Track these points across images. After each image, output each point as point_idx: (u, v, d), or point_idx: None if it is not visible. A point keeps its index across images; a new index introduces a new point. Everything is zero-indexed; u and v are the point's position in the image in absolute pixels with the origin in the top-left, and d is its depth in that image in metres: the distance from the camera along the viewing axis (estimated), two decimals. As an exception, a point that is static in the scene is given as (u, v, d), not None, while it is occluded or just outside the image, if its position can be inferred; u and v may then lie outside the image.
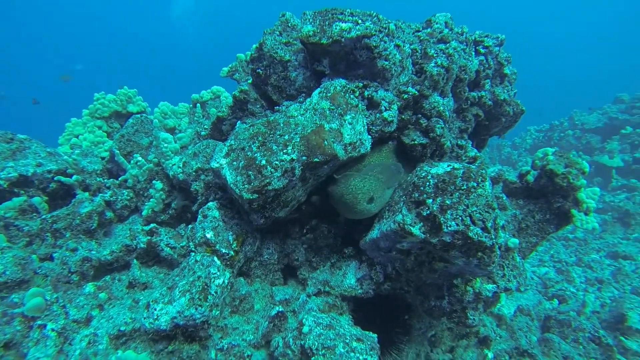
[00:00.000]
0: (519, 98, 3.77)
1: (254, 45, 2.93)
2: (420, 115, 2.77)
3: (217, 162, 2.47)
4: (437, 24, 3.00)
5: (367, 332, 2.57)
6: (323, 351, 2.07)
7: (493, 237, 2.22)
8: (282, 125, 2.49)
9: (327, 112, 2.50)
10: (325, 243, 3.04)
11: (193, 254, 2.38)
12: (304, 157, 2.33)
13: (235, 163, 2.42)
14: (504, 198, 3.25)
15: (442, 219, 2.26)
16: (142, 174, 3.22)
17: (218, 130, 3.20)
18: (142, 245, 2.71)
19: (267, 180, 2.26)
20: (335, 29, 2.54)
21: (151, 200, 3.08)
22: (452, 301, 2.79)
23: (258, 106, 3.06)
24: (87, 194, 3.14)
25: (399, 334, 3.46)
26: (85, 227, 2.90)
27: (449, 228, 2.23)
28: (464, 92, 3.15)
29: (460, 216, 2.24)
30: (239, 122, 3.10)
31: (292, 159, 2.31)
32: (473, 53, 3.22)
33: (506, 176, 3.39)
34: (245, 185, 2.30)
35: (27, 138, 3.35)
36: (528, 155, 12.65)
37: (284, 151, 2.33)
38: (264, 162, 2.32)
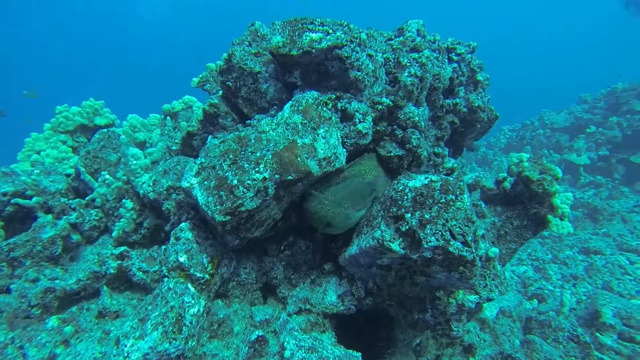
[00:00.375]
0: (492, 102, 3.79)
1: (224, 56, 2.81)
2: (395, 126, 2.71)
3: (188, 182, 2.34)
4: (409, 32, 2.96)
5: (350, 352, 2.49)
6: (305, 379, 1.97)
7: (474, 250, 2.17)
8: (253, 141, 2.38)
9: (300, 126, 2.41)
10: (304, 259, 2.94)
11: (166, 279, 2.23)
12: (276, 176, 2.23)
13: (206, 183, 2.29)
14: (482, 206, 3.24)
15: (421, 234, 2.20)
16: (110, 193, 3.04)
17: (188, 145, 3.06)
18: (111, 271, 2.54)
19: (240, 202, 2.15)
20: (306, 39, 2.45)
21: (121, 220, 2.91)
22: (435, 314, 2.74)
23: (229, 120, 2.94)
24: (49, 216, 2.94)
25: (382, 348, 3.40)
26: (48, 253, 2.70)
27: (429, 244, 2.17)
28: (438, 100, 3.12)
29: (440, 231, 2.18)
30: (209, 137, 2.96)
31: (265, 178, 2.20)
32: (446, 60, 3.19)
33: (483, 183, 3.39)
34: (217, 207, 2.18)
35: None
36: (503, 154, 12.91)
37: (256, 169, 2.22)
38: (235, 181, 2.20)
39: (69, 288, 2.47)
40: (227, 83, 2.83)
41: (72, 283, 2.48)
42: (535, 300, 5.37)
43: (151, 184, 2.77)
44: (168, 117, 3.53)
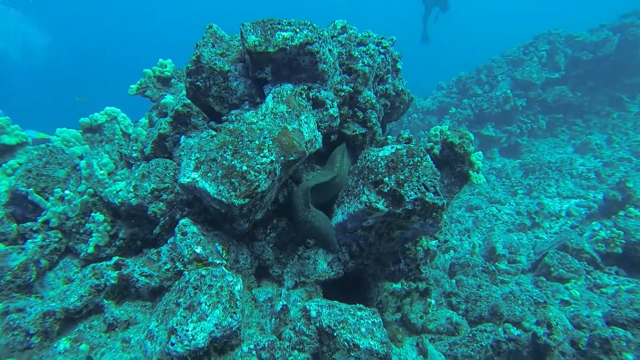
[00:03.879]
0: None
1: (192, 58, 2.89)
2: (356, 109, 3.17)
3: (188, 177, 2.42)
4: (351, 29, 3.45)
5: (354, 305, 2.87)
6: (340, 325, 2.29)
7: (442, 197, 2.76)
8: (246, 132, 2.58)
9: (286, 114, 2.70)
10: (289, 238, 3.20)
11: (186, 272, 2.29)
12: (281, 157, 2.48)
13: (210, 174, 2.42)
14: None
15: (401, 191, 2.69)
16: (72, 209, 2.82)
17: (161, 148, 3.03)
18: (112, 282, 2.42)
19: (256, 184, 2.35)
20: (279, 37, 2.74)
21: (94, 235, 2.74)
22: (407, 262, 3.29)
23: (200, 119, 3.03)
24: (1, 245, 2.62)
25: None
26: (20, 282, 2.44)
27: (410, 197, 2.68)
28: (375, 86, 3.69)
29: (416, 186, 2.71)
30: (182, 137, 3.01)
31: (272, 161, 2.44)
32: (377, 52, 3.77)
33: (415, 153, 4.07)
34: (232, 193, 2.34)
35: None
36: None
37: (261, 154, 2.44)
38: (245, 167, 2.39)
39: (72, 307, 2.29)
40: (196, 83, 2.92)
41: (75, 301, 2.31)
42: (451, 251, 6.47)
43: (131, 190, 2.71)
44: (117, 127, 3.38)
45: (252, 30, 2.76)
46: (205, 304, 2.02)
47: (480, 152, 3.96)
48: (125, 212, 2.86)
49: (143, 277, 2.49)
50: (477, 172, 3.90)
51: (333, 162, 3.09)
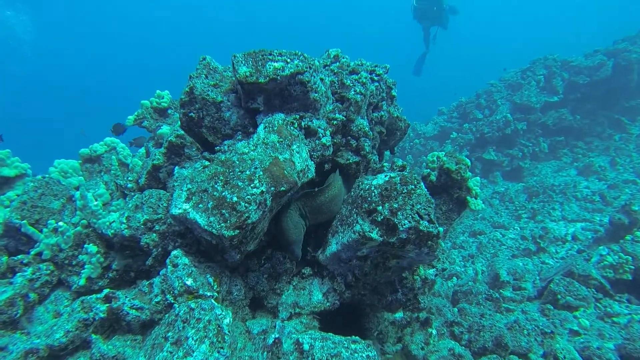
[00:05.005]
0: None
1: (185, 89, 2.93)
2: (349, 137, 3.17)
3: (180, 208, 2.40)
4: (344, 58, 3.50)
5: (349, 338, 2.78)
6: (333, 359, 2.21)
7: (437, 225, 2.71)
8: (237, 162, 2.57)
9: (277, 144, 2.70)
10: (283, 269, 3.15)
11: (176, 305, 2.23)
12: (272, 188, 2.46)
13: (201, 205, 2.40)
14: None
15: (395, 220, 2.65)
16: (65, 241, 2.80)
17: (155, 179, 3.03)
18: (101, 315, 2.36)
19: (246, 215, 2.32)
20: (270, 68, 2.77)
21: (87, 267, 2.71)
22: (405, 292, 3.21)
23: (194, 149, 3.04)
24: (-9, 280, 2.58)
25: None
26: (5, 318, 2.39)
27: (404, 226, 2.63)
28: (369, 114, 3.70)
29: (410, 214, 2.66)
30: (176, 167, 3.02)
31: (262, 191, 2.42)
32: (370, 80, 3.81)
33: (412, 179, 4.05)
34: (222, 224, 2.31)
35: None
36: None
37: (252, 185, 2.42)
38: (235, 198, 2.37)
39: (57, 343, 2.23)
40: (189, 114, 2.95)
41: (60, 337, 2.25)
42: (454, 278, 6.33)
43: (124, 221, 2.69)
44: (113, 157, 3.40)
45: (243, 61, 2.80)
46: (192, 339, 1.96)
47: (478, 178, 3.92)
48: (118, 244, 2.83)
49: (133, 310, 2.43)
50: (475, 198, 3.86)
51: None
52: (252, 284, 2.98)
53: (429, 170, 3.98)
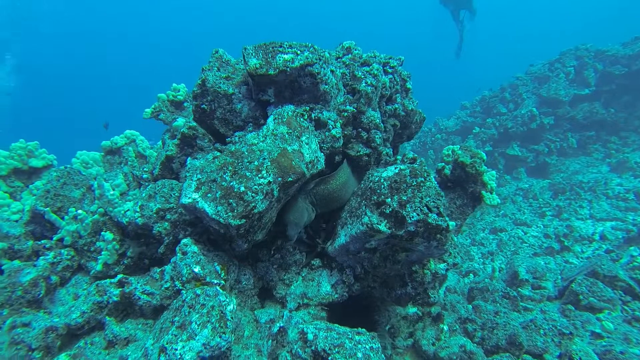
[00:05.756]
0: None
1: (197, 81, 2.98)
2: (360, 129, 3.15)
3: (189, 198, 2.46)
4: (356, 50, 3.48)
5: (354, 329, 2.78)
6: (336, 349, 2.22)
7: (446, 219, 2.66)
8: (246, 153, 2.61)
9: (287, 135, 2.71)
10: (293, 260, 3.17)
11: (184, 291, 2.30)
12: (279, 178, 2.49)
13: (210, 195, 2.45)
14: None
15: (404, 212, 2.62)
16: (84, 228, 2.93)
17: (168, 169, 3.11)
18: (114, 299, 2.47)
19: (252, 205, 2.35)
20: (279, 60, 2.79)
21: (103, 253, 2.82)
22: (414, 285, 3.17)
23: (206, 141, 3.09)
24: (16, 262, 2.73)
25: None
26: (30, 297, 2.52)
27: (412, 219, 2.60)
28: (382, 106, 3.67)
29: (419, 207, 2.63)
30: (189, 158, 3.09)
31: (270, 182, 2.44)
32: (382, 72, 3.77)
33: (426, 173, 3.99)
34: (229, 213, 2.35)
35: None
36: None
37: (259, 175, 2.45)
38: (242, 188, 2.40)
39: (74, 323, 2.35)
40: (201, 106, 3.01)
41: (76, 317, 2.37)
42: (471, 274, 6.22)
43: (138, 210, 2.78)
44: (130, 149, 3.51)
45: (253, 54, 2.83)
46: (195, 323, 2.02)
47: (494, 172, 3.83)
48: (132, 231, 2.92)
49: (145, 295, 2.52)
50: (491, 192, 3.77)
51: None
52: (262, 274, 3.03)
53: (443, 163, 3.91)
